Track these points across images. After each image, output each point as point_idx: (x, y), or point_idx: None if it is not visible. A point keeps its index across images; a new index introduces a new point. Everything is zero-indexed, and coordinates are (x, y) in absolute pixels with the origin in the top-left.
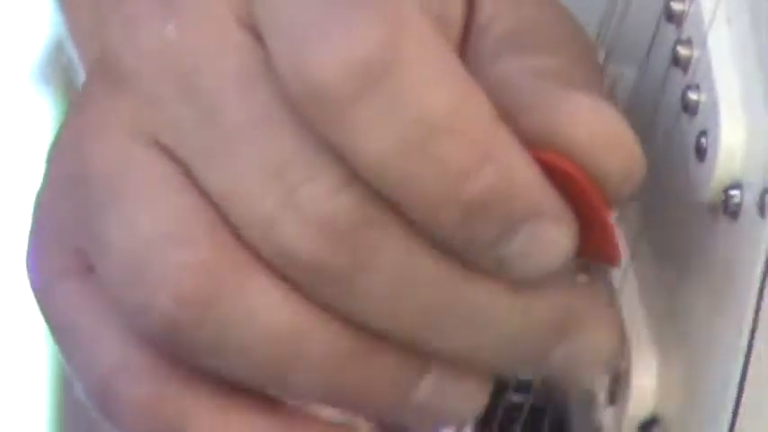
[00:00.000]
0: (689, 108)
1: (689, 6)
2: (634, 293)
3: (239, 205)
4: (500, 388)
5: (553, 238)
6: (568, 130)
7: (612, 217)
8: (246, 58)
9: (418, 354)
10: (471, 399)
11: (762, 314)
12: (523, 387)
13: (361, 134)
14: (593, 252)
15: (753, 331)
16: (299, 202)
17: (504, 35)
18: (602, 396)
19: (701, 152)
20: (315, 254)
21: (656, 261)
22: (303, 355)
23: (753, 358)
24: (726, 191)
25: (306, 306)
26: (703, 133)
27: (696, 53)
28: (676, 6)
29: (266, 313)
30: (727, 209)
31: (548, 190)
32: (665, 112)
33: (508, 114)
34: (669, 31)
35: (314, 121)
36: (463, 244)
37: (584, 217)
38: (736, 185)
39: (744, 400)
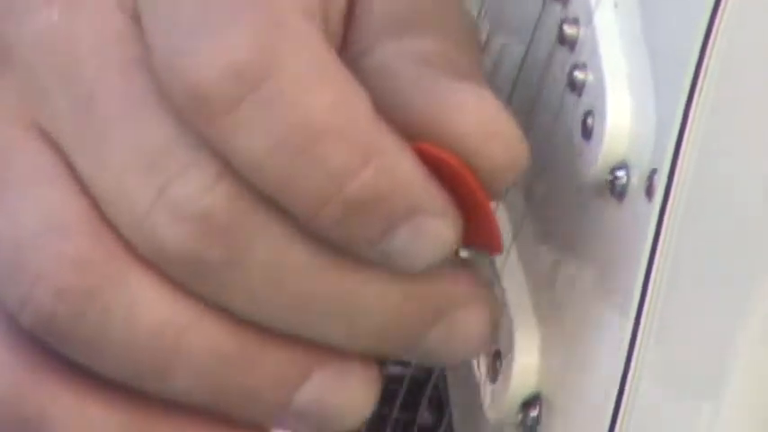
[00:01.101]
0: (575, 87)
1: None
2: (518, 274)
3: (113, 198)
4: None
5: (436, 232)
6: (455, 121)
7: (494, 205)
8: (126, 46)
9: (302, 356)
10: (356, 405)
11: (647, 297)
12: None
13: (239, 135)
14: (475, 241)
15: (638, 316)
16: (173, 197)
17: (383, 19)
18: (482, 372)
19: (587, 132)
20: (188, 248)
21: (540, 241)
22: (182, 351)
23: (638, 341)
24: (612, 171)
25: (185, 301)
26: (590, 113)
27: (583, 32)
28: None
29: (145, 307)
30: (614, 189)
31: (430, 185)
32: (551, 91)
33: (392, 104)
34: (556, 9)
35: (190, 120)
36: (346, 241)
37: (467, 207)
38: (623, 166)
39: (628, 382)
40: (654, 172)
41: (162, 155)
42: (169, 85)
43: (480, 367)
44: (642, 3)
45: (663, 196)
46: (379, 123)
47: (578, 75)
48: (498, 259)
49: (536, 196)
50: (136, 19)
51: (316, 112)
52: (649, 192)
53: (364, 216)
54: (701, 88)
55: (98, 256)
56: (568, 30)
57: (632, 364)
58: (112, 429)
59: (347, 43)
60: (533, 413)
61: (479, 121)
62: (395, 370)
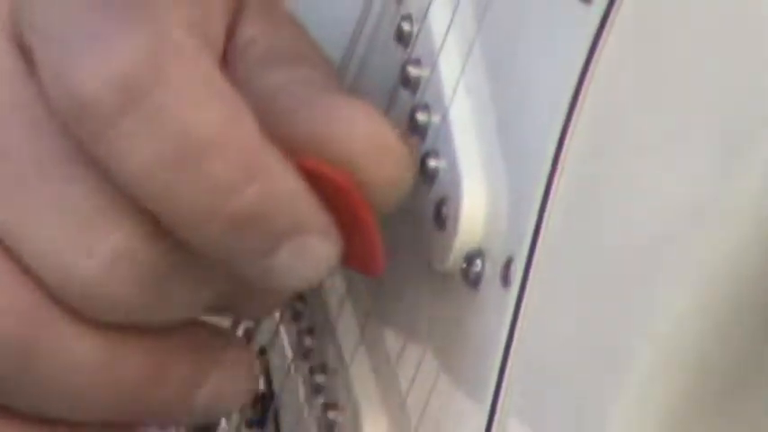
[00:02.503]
0: (427, 175)
1: (427, 73)
2: (365, 361)
3: (38, 253)
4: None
5: (317, 252)
6: (345, 135)
7: (377, 227)
8: (22, 86)
9: (203, 365)
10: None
11: (502, 392)
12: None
13: (122, 148)
14: (357, 260)
15: (492, 412)
16: (98, 251)
17: (267, 51)
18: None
19: (440, 220)
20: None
21: (388, 326)
22: (106, 384)
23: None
24: (467, 258)
25: (106, 337)
26: (443, 201)
27: (435, 119)
28: (413, 72)
29: (77, 352)
30: (468, 277)
31: (312, 204)
32: None
33: (281, 122)
34: (405, 95)
35: (78, 135)
36: (228, 257)
37: (350, 225)
38: (477, 254)
39: None
40: (510, 260)
41: (80, 209)
42: (56, 98)
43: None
44: (493, 90)
45: (520, 284)
46: (264, 141)
47: (431, 163)
48: (343, 342)
49: (381, 278)
50: (28, 52)
51: (201, 126)
52: (506, 280)
53: (247, 233)
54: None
55: (32, 309)
56: (420, 116)
57: None
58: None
59: (229, 68)
60: None
61: (370, 134)
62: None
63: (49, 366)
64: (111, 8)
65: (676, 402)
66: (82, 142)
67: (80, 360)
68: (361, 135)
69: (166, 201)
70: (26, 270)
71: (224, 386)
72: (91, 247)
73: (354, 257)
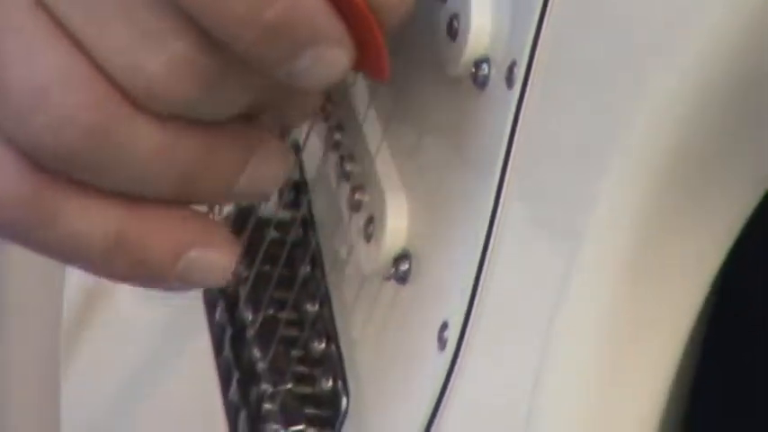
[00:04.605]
0: None
1: None
2: (386, 150)
3: (114, 59)
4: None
5: (333, 58)
6: None
7: (384, 40)
8: None
9: (243, 153)
10: (278, 180)
11: (507, 173)
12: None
13: None
14: (367, 67)
15: (499, 189)
16: (163, 55)
17: None
18: (353, 234)
19: (452, 32)
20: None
21: (407, 121)
22: (168, 162)
23: (498, 212)
24: (475, 64)
25: (166, 126)
26: (455, 16)
27: None
28: None
29: (143, 136)
30: (476, 80)
31: (331, 18)
32: None
33: None
34: None
35: None
36: (259, 60)
37: (362, 38)
38: (485, 60)
39: (493, 236)
40: (513, 63)
41: (148, 24)
42: None
43: (352, 230)
44: None
45: (522, 84)
46: None
47: None
48: (368, 137)
49: (401, 83)
50: None
51: None
52: (510, 81)
53: (276, 40)
54: None
55: (108, 102)
56: None
57: (496, 219)
58: (111, 222)
59: None
60: (404, 267)
61: None
62: (275, 235)
63: (118, 146)
64: None
65: (657, 180)
66: None
67: (143, 142)
68: None
69: (214, 12)
70: (105, 69)
71: (261, 171)
72: (158, 51)
73: (365, 63)
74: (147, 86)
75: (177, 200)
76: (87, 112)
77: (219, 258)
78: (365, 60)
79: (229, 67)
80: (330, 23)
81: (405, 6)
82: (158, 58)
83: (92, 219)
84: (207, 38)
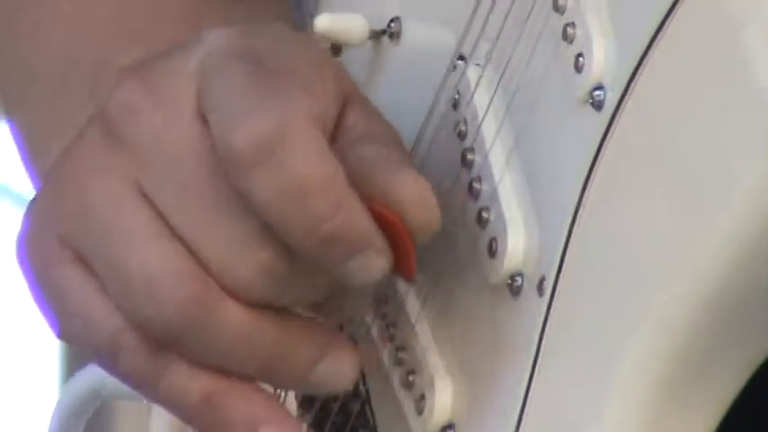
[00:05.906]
0: (481, 223)
1: (479, 158)
2: (431, 343)
3: (210, 255)
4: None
5: (376, 263)
6: (401, 192)
7: (415, 252)
8: (202, 138)
9: (322, 345)
10: (351, 376)
11: (537, 368)
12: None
13: (256, 186)
14: (401, 270)
15: (530, 379)
16: (251, 262)
17: (363, 134)
18: (408, 407)
19: (491, 252)
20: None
21: (453, 319)
22: (253, 344)
23: (528, 400)
24: (511, 277)
25: (250, 315)
26: (494, 239)
27: (485, 187)
28: (469, 156)
29: (230, 323)
30: (512, 289)
31: (375, 232)
32: (460, 225)
33: (361, 180)
34: (464, 173)
35: (229, 175)
36: (319, 262)
37: (398, 248)
38: (519, 274)
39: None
40: (543, 278)
41: (244, 232)
42: (219, 148)
43: (405, 405)
44: (523, 161)
45: (550, 294)
46: (348, 188)
47: (484, 215)
48: (420, 334)
49: (448, 288)
50: (203, 118)
51: (307, 173)
52: (541, 291)
53: (333, 247)
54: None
55: (205, 292)
56: (475, 185)
57: (527, 401)
58: (203, 384)
59: (336, 139)
60: None
61: (415, 193)
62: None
63: (211, 328)
64: (257, 92)
65: (670, 366)
66: (231, 180)
67: (232, 326)
68: (411, 193)
69: (283, 222)
70: (202, 263)
71: (337, 365)
72: (248, 257)
73: (399, 268)
74: (235, 284)
75: (259, 380)
76: (191, 303)
77: None
78: (399, 265)
79: (301, 269)
80: (374, 236)
81: (434, 225)
82: (248, 263)
83: (188, 380)
84: (285, 246)
